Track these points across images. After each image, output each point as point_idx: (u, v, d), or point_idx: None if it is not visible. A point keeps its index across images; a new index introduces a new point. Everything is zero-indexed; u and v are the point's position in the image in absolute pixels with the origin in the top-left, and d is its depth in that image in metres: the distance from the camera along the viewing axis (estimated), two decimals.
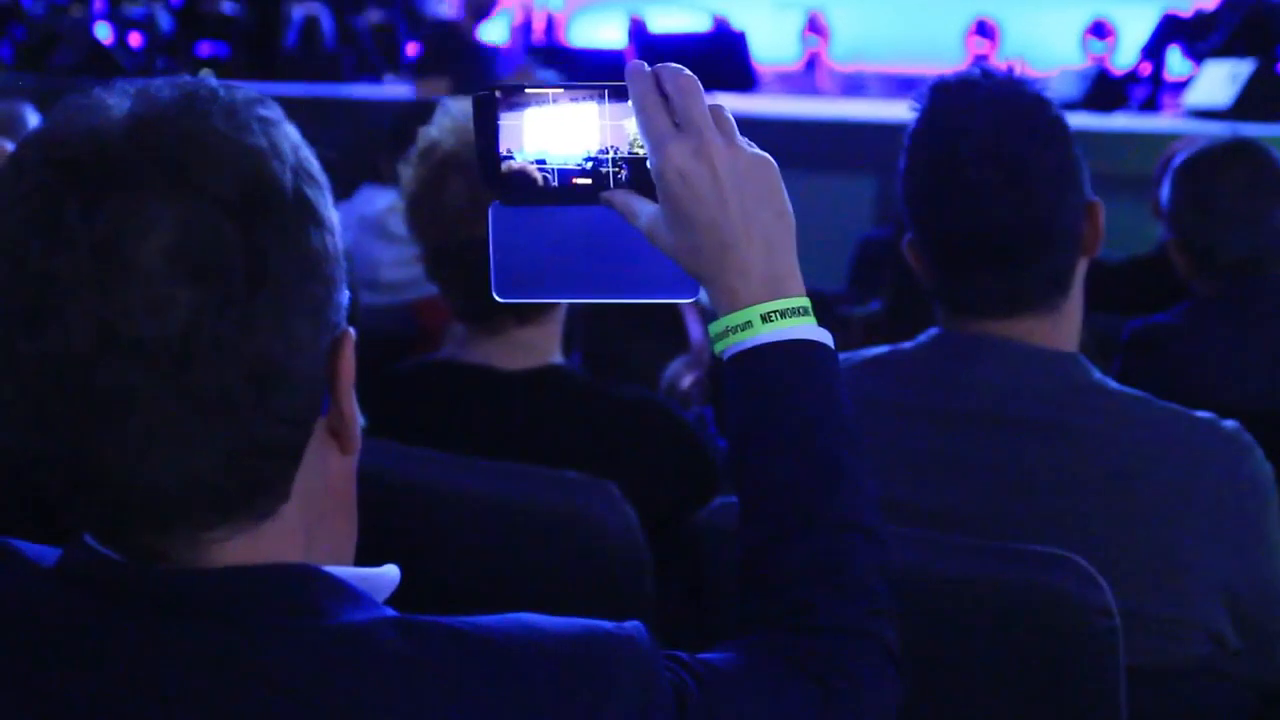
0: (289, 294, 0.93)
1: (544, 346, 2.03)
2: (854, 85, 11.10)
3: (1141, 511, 1.63)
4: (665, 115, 1.14)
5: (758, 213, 1.15)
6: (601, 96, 1.18)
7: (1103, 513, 1.63)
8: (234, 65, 11.39)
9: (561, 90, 1.18)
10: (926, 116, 1.75)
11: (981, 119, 1.71)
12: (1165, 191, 2.69)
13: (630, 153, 1.18)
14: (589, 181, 1.19)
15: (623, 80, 1.15)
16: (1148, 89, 8.92)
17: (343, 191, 4.96)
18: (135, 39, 11.44)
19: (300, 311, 0.94)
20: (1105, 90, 8.46)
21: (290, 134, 0.98)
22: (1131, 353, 2.62)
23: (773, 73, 10.98)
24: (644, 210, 1.17)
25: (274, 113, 0.98)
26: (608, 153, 1.18)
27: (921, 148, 1.75)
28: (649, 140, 1.14)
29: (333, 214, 0.99)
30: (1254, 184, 2.59)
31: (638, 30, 7.54)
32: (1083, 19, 10.18)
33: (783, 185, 1.17)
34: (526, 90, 1.18)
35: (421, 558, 1.94)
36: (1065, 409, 1.67)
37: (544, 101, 1.18)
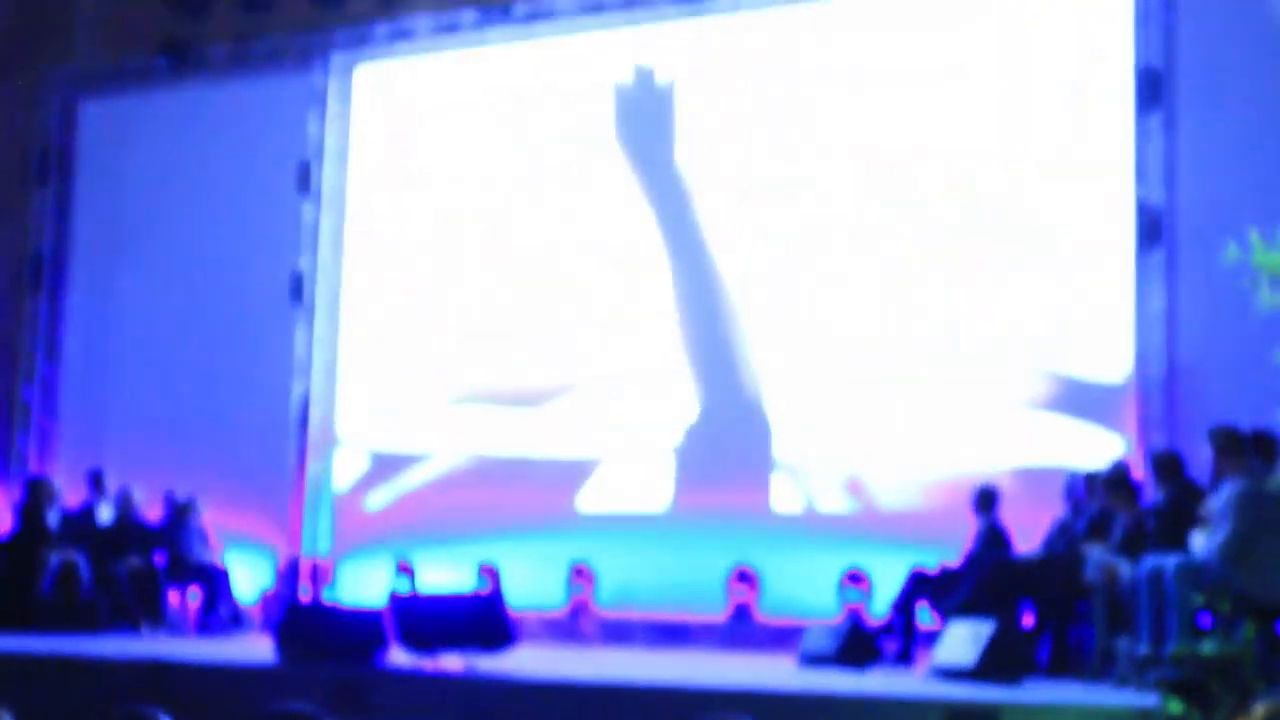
0: None
1: None
2: (619, 631, 11.18)
3: None
4: None
5: None
6: None
7: None
8: None
9: None
10: None
11: None
12: None
13: None
14: None
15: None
16: (900, 641, 9.14)
17: None
18: None
19: None
20: (858, 644, 8.64)
21: None
22: None
23: (538, 619, 11.04)
24: None
25: None
26: None
27: None
28: None
29: None
30: None
31: (396, 598, 7.70)
32: (839, 567, 10.50)
33: None
34: None
35: None
36: None
37: None
